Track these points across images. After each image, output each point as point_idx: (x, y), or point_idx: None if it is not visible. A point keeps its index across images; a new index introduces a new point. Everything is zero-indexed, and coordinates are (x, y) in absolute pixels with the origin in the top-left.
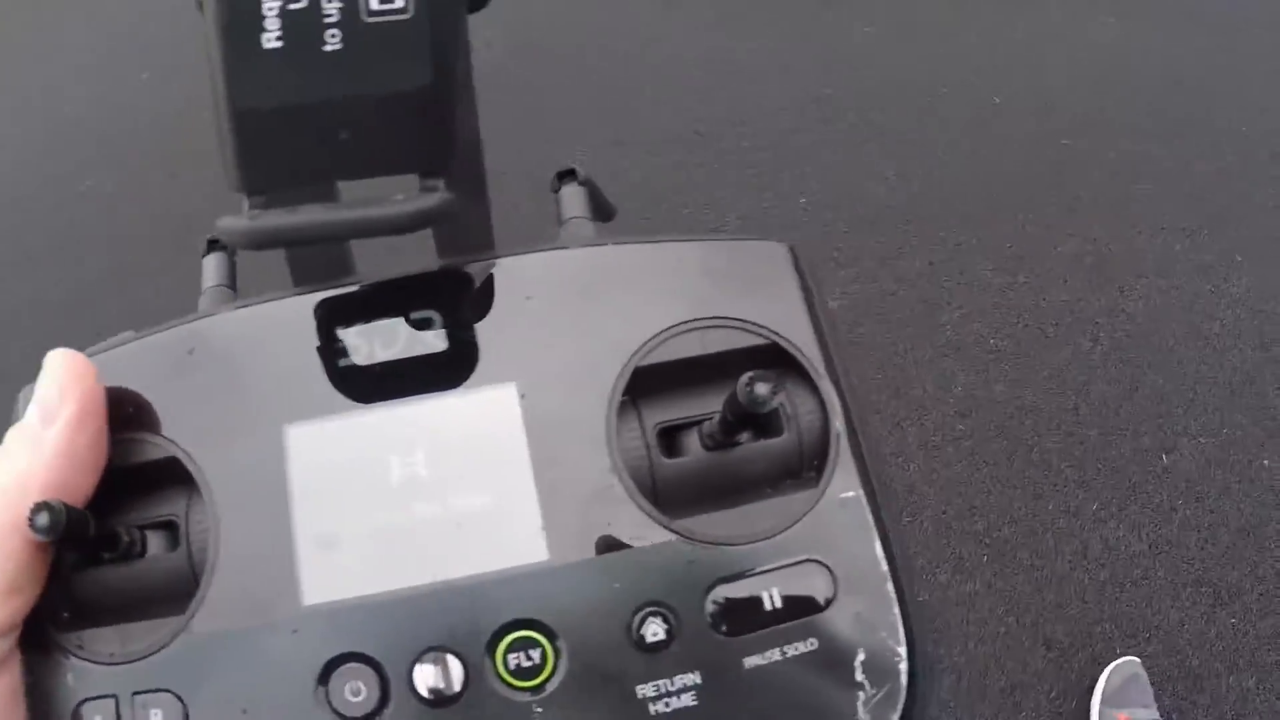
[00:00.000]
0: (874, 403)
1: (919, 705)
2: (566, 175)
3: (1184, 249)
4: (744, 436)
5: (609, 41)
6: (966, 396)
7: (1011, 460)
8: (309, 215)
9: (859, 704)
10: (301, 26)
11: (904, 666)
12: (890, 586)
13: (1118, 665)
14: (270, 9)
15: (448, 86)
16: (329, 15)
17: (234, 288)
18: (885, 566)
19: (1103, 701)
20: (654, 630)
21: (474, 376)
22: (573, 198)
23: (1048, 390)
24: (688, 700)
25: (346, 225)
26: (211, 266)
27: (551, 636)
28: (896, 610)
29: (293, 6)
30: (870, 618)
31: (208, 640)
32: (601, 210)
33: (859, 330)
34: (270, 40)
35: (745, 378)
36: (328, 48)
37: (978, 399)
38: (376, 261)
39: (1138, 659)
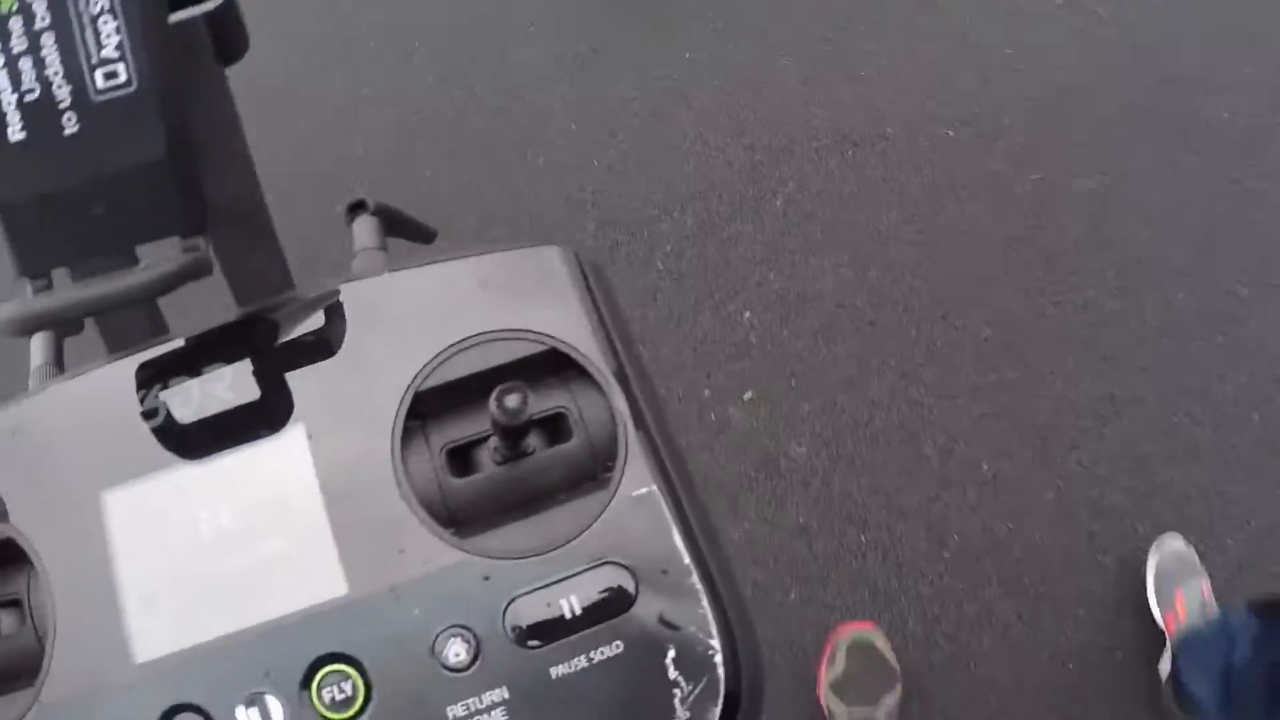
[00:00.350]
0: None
1: (746, 695)
2: (357, 207)
3: None
4: (534, 445)
5: None
6: None
7: None
8: (65, 296)
9: (676, 701)
10: (40, 115)
11: (719, 659)
12: (695, 579)
13: (1160, 542)
14: (9, 104)
15: (188, 152)
16: (62, 100)
17: (60, 364)
18: (688, 559)
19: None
20: (457, 651)
21: (266, 424)
22: (363, 229)
23: None
24: (498, 716)
25: (101, 301)
26: (37, 346)
27: (360, 668)
28: (705, 602)
29: (29, 98)
30: (676, 613)
31: (57, 710)
32: (417, 233)
33: None
34: (15, 133)
35: (495, 392)
36: (67, 132)
37: None
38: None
39: (1178, 533)
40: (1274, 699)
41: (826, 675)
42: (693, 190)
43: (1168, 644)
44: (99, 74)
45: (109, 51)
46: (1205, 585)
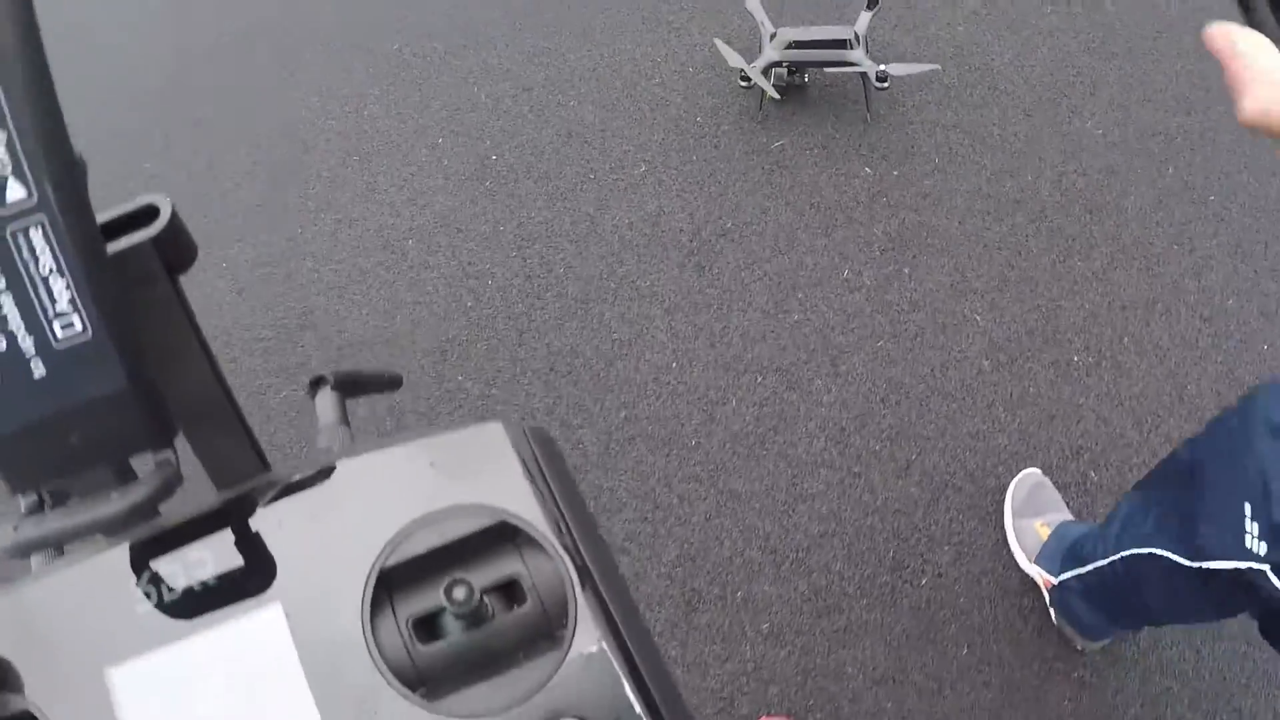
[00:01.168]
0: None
1: None
2: (318, 383)
3: None
4: (492, 609)
5: None
6: None
7: None
8: (45, 527)
9: None
10: (10, 364)
11: None
12: None
13: (1021, 478)
14: None
15: (148, 379)
16: (28, 351)
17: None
18: (639, 709)
19: (1014, 514)
20: None
21: (249, 607)
22: (324, 405)
23: None
24: None
25: (77, 529)
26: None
27: None
28: None
29: None
30: None
31: None
32: (384, 385)
33: None
34: None
35: (444, 586)
36: (36, 376)
37: None
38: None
39: (1037, 469)
40: (1136, 588)
41: None
42: None
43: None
44: (57, 325)
45: (62, 306)
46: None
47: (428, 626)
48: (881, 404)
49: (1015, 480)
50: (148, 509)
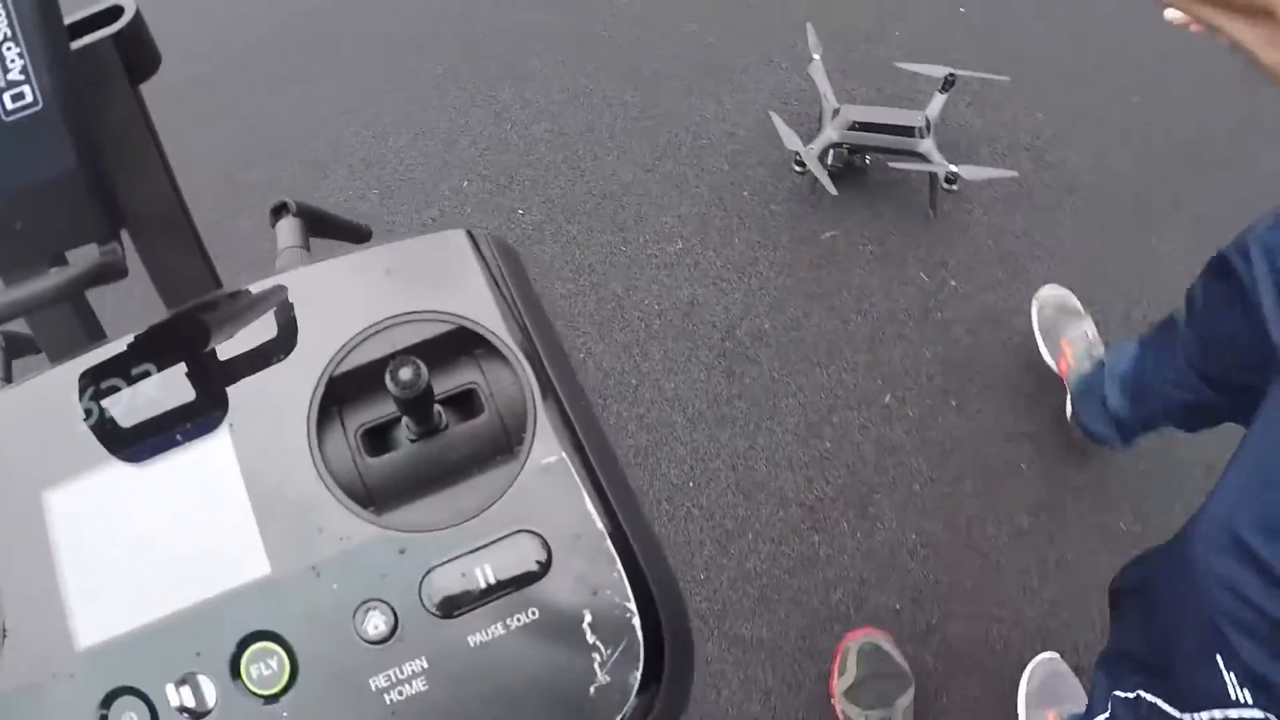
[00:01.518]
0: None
1: (670, 656)
2: (280, 209)
3: None
4: (446, 421)
5: None
6: None
7: None
8: None
9: (595, 665)
10: None
11: (636, 621)
12: (609, 544)
13: (1038, 663)
14: None
15: (98, 164)
16: None
17: (8, 377)
18: (600, 524)
19: (1028, 705)
20: (376, 624)
21: (192, 420)
22: (285, 230)
23: None
24: (419, 685)
25: (16, 304)
26: None
27: (285, 644)
28: (620, 566)
29: None
30: (591, 578)
31: (6, 700)
32: (349, 233)
33: None
34: None
35: (389, 367)
36: None
37: None
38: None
39: (1057, 655)
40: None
41: (839, 683)
42: None
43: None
44: (6, 96)
45: (14, 75)
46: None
47: (380, 438)
48: (909, 557)
49: (1032, 665)
50: (84, 286)
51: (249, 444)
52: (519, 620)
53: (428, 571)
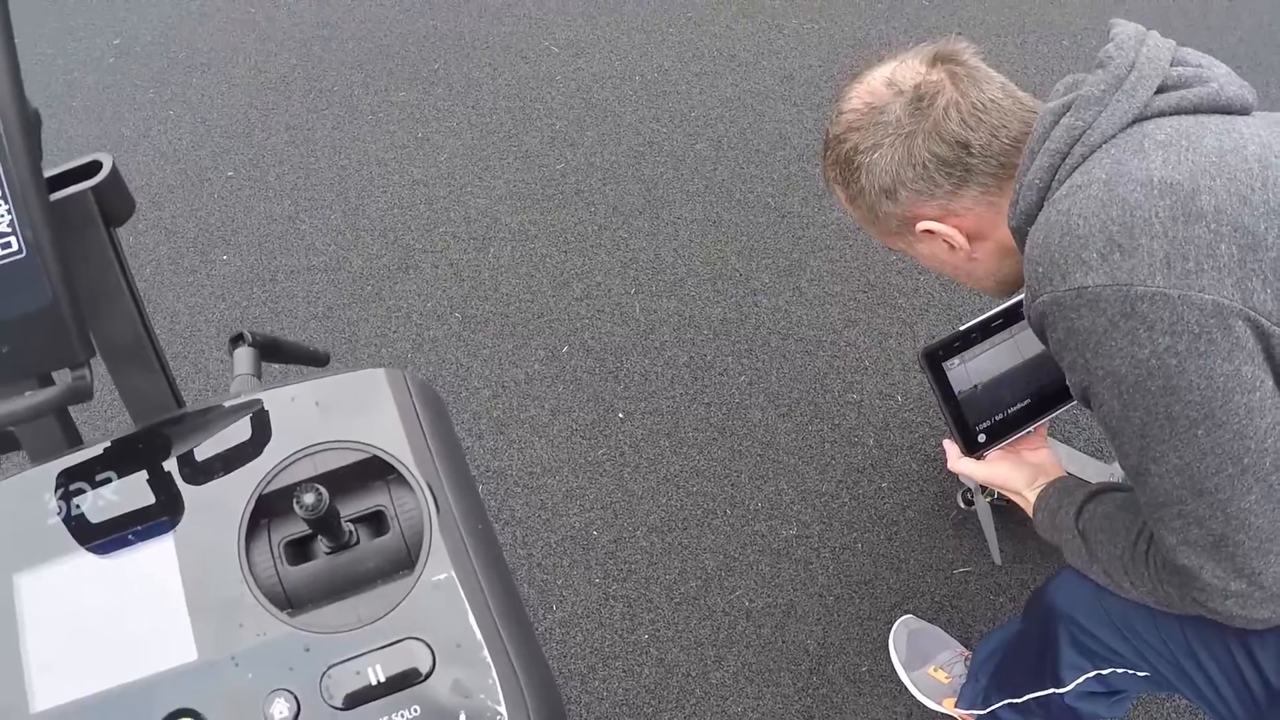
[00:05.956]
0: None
1: None
2: (237, 339)
3: None
4: (358, 537)
5: None
6: None
7: None
8: None
9: None
10: None
11: None
12: (486, 653)
13: (895, 627)
14: None
15: (73, 302)
16: None
17: None
18: (479, 636)
19: (907, 669)
20: (281, 710)
21: (143, 524)
22: (240, 358)
23: None
24: None
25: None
26: None
27: None
28: (494, 674)
29: None
30: (468, 683)
31: None
32: (307, 358)
33: None
34: None
35: (296, 493)
36: None
37: None
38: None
39: (907, 615)
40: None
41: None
42: None
43: None
44: None
45: (2, 228)
46: None
47: (301, 548)
48: None
49: (892, 636)
50: (52, 409)
51: (189, 548)
52: (403, 716)
53: (329, 668)
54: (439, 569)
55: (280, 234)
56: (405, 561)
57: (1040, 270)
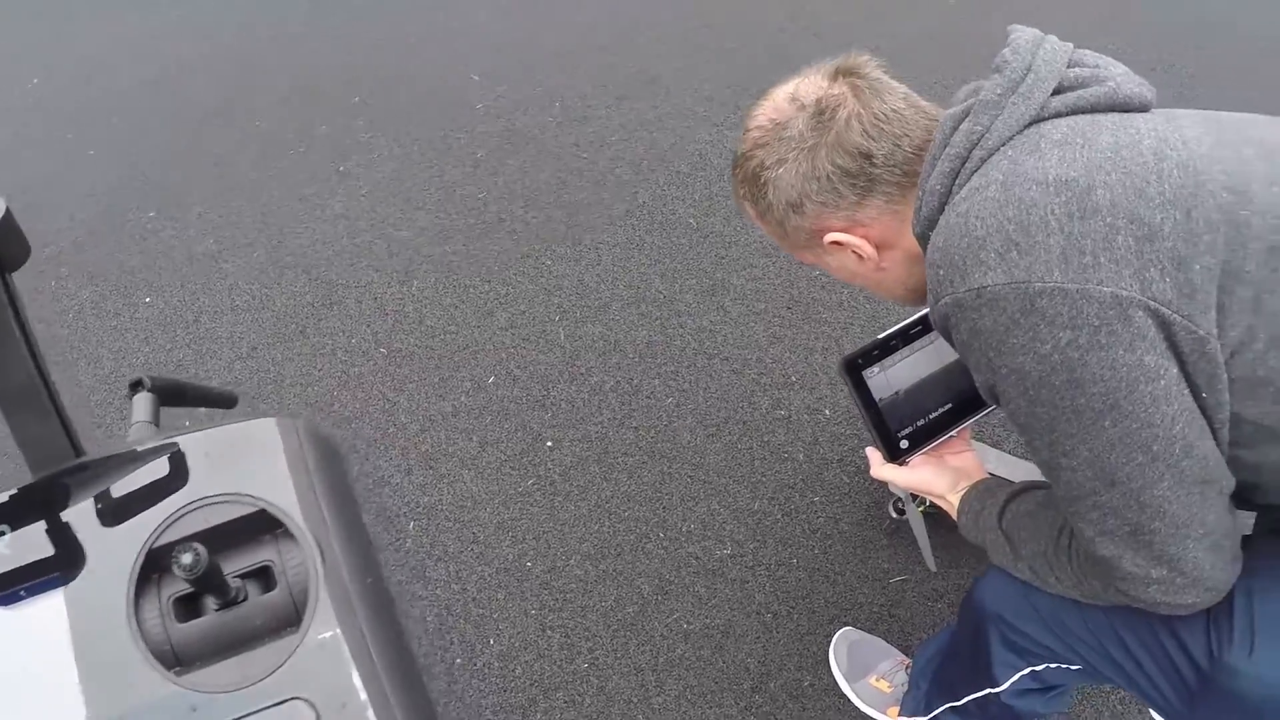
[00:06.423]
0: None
1: None
2: (135, 385)
3: None
4: (246, 593)
5: None
6: None
7: None
8: None
9: None
10: None
11: None
12: (371, 713)
13: (835, 640)
14: None
15: None
16: None
17: None
18: (364, 696)
19: (849, 681)
20: None
21: (35, 578)
22: (139, 405)
23: None
24: None
25: None
26: None
27: None
28: None
29: None
30: None
31: None
32: (215, 401)
33: None
34: None
35: (173, 553)
36: None
37: None
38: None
39: (847, 626)
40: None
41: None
42: None
43: None
44: None
45: None
46: None
47: (190, 605)
48: None
49: (832, 648)
50: None
51: (78, 605)
52: None
53: None
54: (325, 626)
55: (203, 274)
56: (292, 618)
57: (941, 273)
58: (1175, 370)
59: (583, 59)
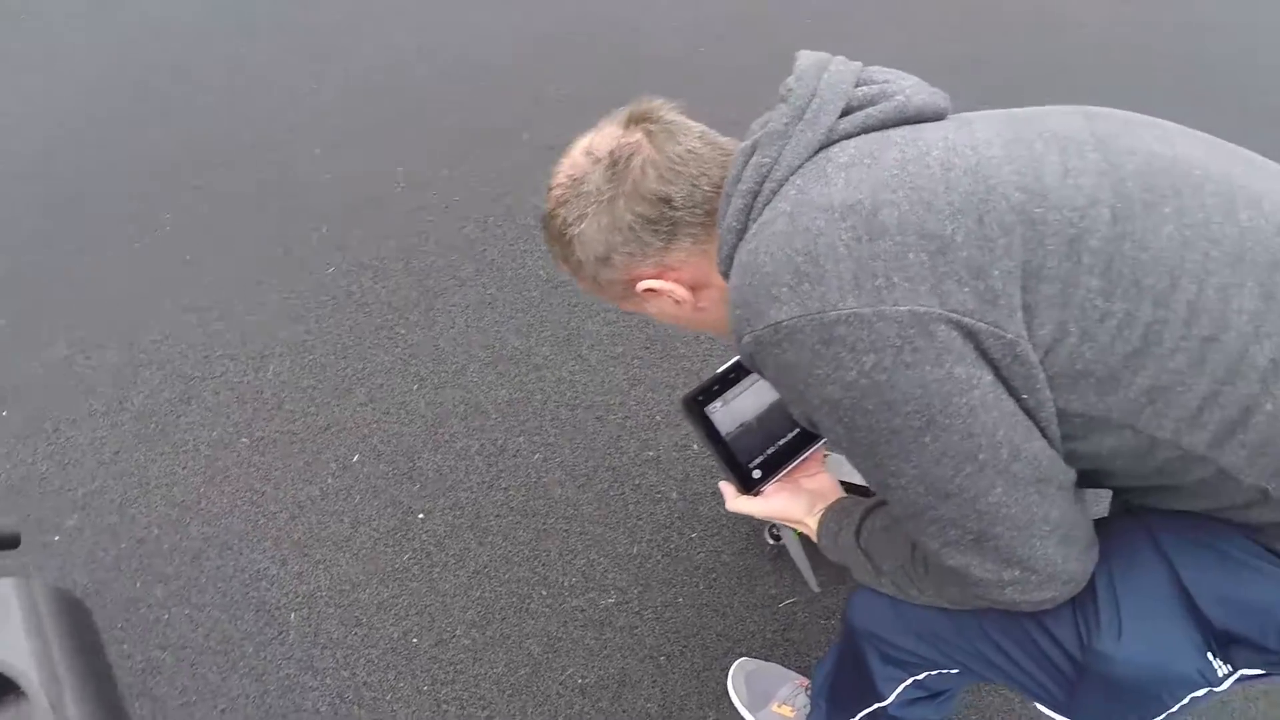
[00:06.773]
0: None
1: None
2: None
3: None
4: None
5: None
6: None
7: None
8: None
9: None
10: None
11: None
12: None
13: (732, 672)
14: None
15: None
16: None
17: None
18: None
19: (751, 710)
20: None
21: None
22: None
23: None
24: None
25: None
26: None
27: None
28: None
29: None
30: None
31: None
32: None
33: None
34: None
35: None
36: None
37: None
38: None
39: (743, 656)
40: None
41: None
42: None
43: None
44: None
45: None
46: None
47: None
48: None
49: (730, 679)
50: None
51: None
52: None
53: None
54: None
55: (57, 381)
56: None
57: (739, 313)
58: (990, 377)
59: (421, 124)
